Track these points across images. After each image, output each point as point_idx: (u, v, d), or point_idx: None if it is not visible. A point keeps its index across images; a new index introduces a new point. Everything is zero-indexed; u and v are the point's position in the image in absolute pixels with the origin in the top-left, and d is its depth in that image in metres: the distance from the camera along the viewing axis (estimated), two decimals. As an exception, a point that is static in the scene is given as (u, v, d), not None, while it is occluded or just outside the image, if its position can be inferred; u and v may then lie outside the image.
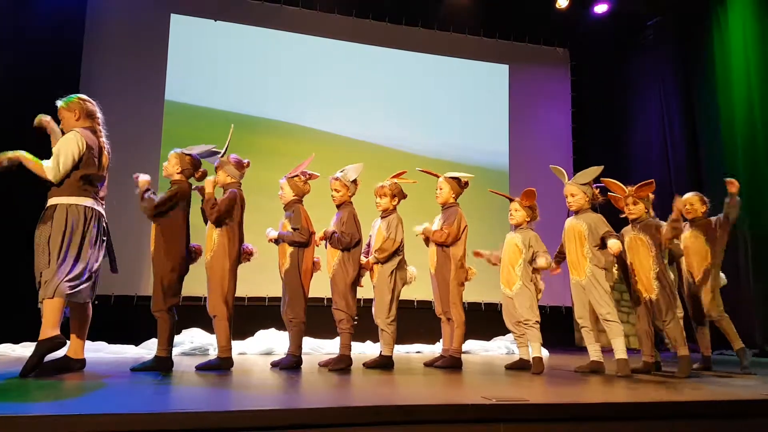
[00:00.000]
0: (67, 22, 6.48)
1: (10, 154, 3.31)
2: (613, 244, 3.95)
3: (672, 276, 4.31)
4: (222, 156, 4.02)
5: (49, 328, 3.21)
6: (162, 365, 3.63)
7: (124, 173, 4.75)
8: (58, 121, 3.57)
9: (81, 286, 3.32)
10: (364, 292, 4.41)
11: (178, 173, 3.82)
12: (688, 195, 4.73)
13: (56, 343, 3.22)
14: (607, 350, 4.24)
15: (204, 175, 3.97)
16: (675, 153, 7.58)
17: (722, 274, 4.65)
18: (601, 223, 4.15)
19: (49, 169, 3.33)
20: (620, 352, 4.01)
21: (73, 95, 3.58)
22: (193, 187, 3.88)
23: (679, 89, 7.65)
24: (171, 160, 3.84)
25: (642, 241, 4.15)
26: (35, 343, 3.25)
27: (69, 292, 3.24)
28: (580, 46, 8.63)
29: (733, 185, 4.57)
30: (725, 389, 3.33)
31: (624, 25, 8.17)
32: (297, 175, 4.21)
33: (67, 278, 3.24)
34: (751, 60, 6.74)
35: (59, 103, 3.53)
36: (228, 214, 3.84)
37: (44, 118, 3.55)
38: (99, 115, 3.60)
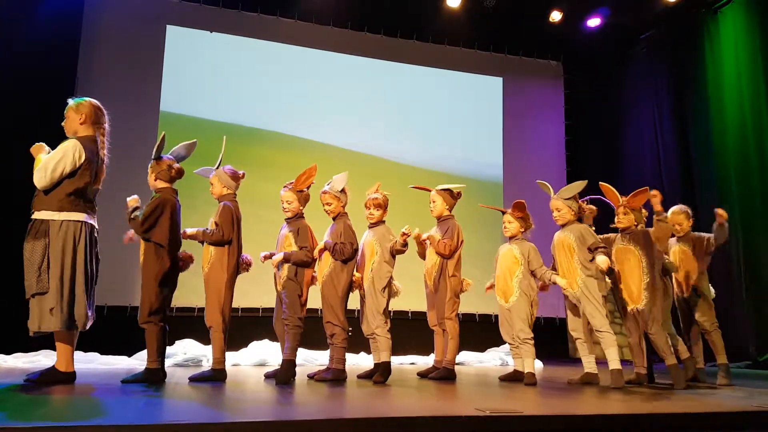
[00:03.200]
0: (63, 33, 6.49)
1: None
2: (602, 261, 3.97)
3: (664, 288, 4.31)
4: (217, 168, 4.01)
5: (65, 362, 3.32)
6: (153, 377, 3.59)
7: (118, 183, 4.76)
8: (62, 119, 3.53)
9: (86, 311, 3.33)
10: (354, 302, 4.38)
11: (155, 180, 3.74)
12: (673, 209, 4.73)
13: (68, 378, 3.34)
14: (601, 362, 4.24)
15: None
16: (667, 165, 7.63)
17: (711, 287, 4.66)
18: (588, 234, 4.18)
19: (38, 172, 3.26)
20: (614, 363, 4.03)
21: (85, 98, 3.54)
22: (186, 233, 3.80)
23: (672, 102, 7.71)
24: (149, 171, 3.77)
25: (631, 251, 4.15)
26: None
27: (75, 322, 3.28)
28: (574, 59, 8.71)
29: (721, 216, 4.50)
30: (718, 401, 3.34)
31: (617, 38, 8.24)
32: (304, 190, 4.16)
33: (72, 308, 3.26)
34: (742, 73, 6.81)
35: (70, 102, 3.50)
36: (232, 229, 3.84)
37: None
38: (106, 125, 3.56)
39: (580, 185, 4.28)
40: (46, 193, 3.31)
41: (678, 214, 4.69)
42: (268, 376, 4.08)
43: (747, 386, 4.27)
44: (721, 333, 4.58)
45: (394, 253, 4.20)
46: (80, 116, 3.45)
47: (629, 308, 4.16)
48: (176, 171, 3.78)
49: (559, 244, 4.28)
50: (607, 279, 4.27)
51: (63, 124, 3.50)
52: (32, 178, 3.32)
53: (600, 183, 4.31)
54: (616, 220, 4.26)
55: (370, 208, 4.31)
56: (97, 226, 3.51)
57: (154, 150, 3.78)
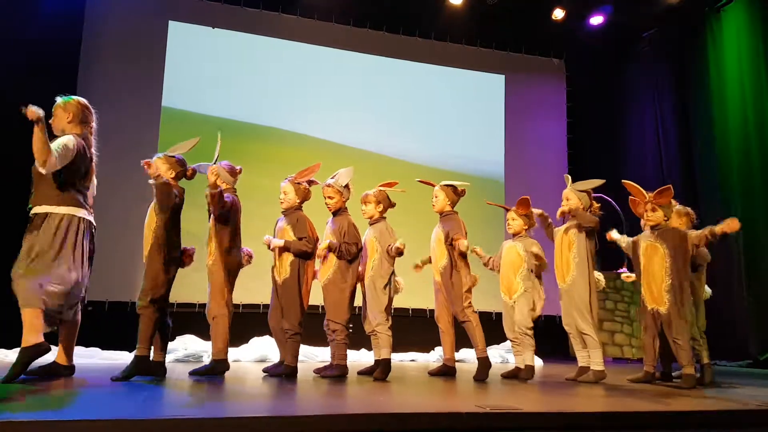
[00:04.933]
0: (64, 28, 6.48)
1: (38, 114, 3.06)
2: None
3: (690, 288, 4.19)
4: (213, 163, 4.01)
5: (32, 335, 3.17)
6: (140, 365, 3.53)
7: (120, 179, 4.76)
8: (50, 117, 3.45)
9: (61, 299, 3.24)
10: (356, 300, 4.38)
11: (171, 178, 3.77)
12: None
13: (41, 350, 3.19)
14: (607, 360, 4.24)
15: (194, 172, 3.92)
16: (669, 164, 7.62)
17: (707, 287, 4.60)
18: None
19: (51, 157, 3.13)
20: (596, 365, 4.11)
21: (73, 96, 3.51)
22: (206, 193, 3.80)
23: (674, 100, 7.70)
24: (159, 165, 3.76)
25: (658, 249, 4.06)
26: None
27: (45, 304, 3.16)
28: (576, 57, 8.69)
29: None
30: (717, 399, 3.34)
31: (619, 36, 8.23)
32: (301, 183, 4.18)
33: (46, 289, 3.17)
34: (745, 71, 6.80)
35: (58, 100, 3.47)
36: (228, 213, 3.83)
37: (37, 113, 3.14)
38: (93, 124, 3.54)
39: (596, 182, 4.30)
40: (41, 186, 3.27)
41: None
42: (266, 371, 4.08)
43: (747, 385, 4.26)
44: (706, 339, 4.43)
45: (391, 256, 4.19)
46: (68, 115, 3.43)
47: (649, 307, 4.08)
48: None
49: (559, 237, 4.30)
50: (601, 278, 4.25)
51: (50, 122, 3.44)
52: (34, 148, 3.26)
53: (623, 181, 4.26)
54: (645, 216, 4.19)
55: (363, 205, 4.34)
56: (94, 223, 3.51)
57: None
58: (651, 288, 4.07)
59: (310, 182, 4.24)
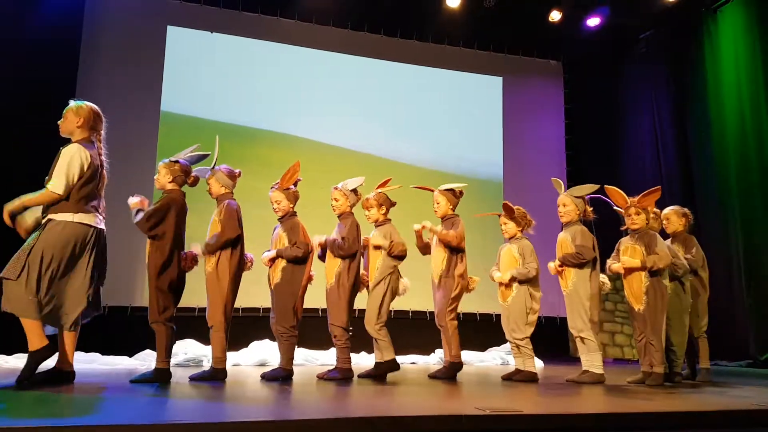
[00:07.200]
0: (64, 33, 6.49)
1: (10, 206, 3.23)
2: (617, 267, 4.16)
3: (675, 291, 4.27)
4: (212, 167, 4.01)
5: (36, 340, 3.21)
6: (161, 377, 3.59)
7: (119, 183, 4.74)
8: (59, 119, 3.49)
9: (59, 312, 3.25)
10: (358, 302, 4.39)
11: (170, 183, 3.77)
12: (667, 209, 4.73)
13: (48, 351, 3.23)
14: (607, 361, 4.26)
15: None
16: (667, 165, 7.63)
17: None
18: (581, 235, 4.19)
19: (55, 186, 3.23)
20: (595, 368, 4.14)
21: (86, 102, 3.52)
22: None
23: (671, 102, 7.71)
24: (161, 171, 3.79)
25: (637, 250, 4.15)
26: (27, 354, 3.24)
27: (41, 312, 3.17)
28: (574, 59, 8.71)
29: None
30: (717, 399, 3.34)
31: (617, 38, 8.24)
32: (290, 188, 4.18)
33: (45, 300, 3.18)
34: (742, 73, 6.81)
35: (72, 103, 3.48)
36: (238, 228, 3.82)
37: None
38: (102, 131, 3.55)
39: (591, 187, 4.31)
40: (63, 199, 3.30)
41: (669, 210, 4.68)
42: (264, 376, 4.07)
43: (748, 385, 4.27)
44: (706, 339, 4.54)
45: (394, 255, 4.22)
46: (78, 119, 3.43)
47: (635, 308, 4.16)
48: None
49: (558, 244, 4.33)
50: (606, 280, 4.28)
51: (59, 123, 3.46)
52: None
53: (605, 186, 4.31)
54: (629, 221, 4.25)
55: (365, 210, 4.39)
56: (104, 230, 3.51)
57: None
58: (632, 287, 4.18)
59: (295, 182, 4.24)
